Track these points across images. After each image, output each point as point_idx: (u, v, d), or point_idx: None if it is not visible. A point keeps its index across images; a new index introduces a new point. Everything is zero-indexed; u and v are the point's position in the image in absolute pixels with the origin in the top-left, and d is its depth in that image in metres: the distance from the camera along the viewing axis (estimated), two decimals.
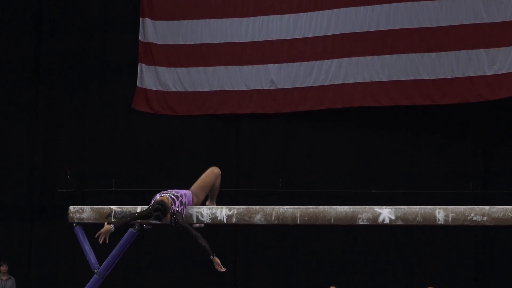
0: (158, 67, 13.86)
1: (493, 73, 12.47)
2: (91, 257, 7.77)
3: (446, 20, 12.76)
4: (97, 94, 14.50)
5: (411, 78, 12.83)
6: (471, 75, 12.57)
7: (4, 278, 13.71)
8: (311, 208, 7.15)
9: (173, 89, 13.83)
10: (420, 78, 12.79)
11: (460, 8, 12.70)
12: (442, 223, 6.70)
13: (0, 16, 14.68)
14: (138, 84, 13.88)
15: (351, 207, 7.04)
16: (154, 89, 13.84)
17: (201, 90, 13.75)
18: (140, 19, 13.91)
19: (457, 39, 12.64)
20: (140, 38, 13.88)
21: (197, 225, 7.71)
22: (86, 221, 7.82)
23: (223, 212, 7.44)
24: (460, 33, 12.64)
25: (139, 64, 13.83)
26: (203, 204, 7.90)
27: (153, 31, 13.89)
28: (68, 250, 13.99)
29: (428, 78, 12.76)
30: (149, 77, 13.86)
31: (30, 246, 14.59)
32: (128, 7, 14.34)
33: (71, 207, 7.91)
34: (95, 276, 7.71)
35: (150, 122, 13.95)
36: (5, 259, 13.75)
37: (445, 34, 12.71)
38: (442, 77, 12.72)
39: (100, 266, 7.71)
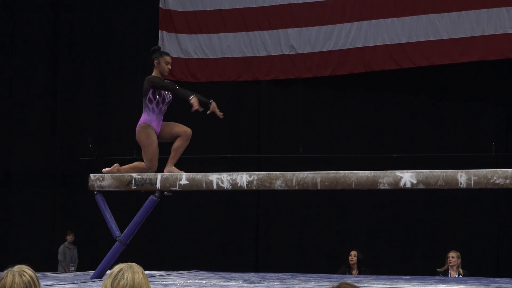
0: (179, 34, 13.81)
1: None
2: (113, 225, 7.80)
3: None
4: (117, 62, 14.52)
5: (431, 39, 12.71)
6: (491, 33, 12.43)
7: (71, 247, 14.06)
8: (332, 173, 7.13)
9: (194, 56, 13.78)
10: (439, 38, 12.67)
11: None
12: (464, 186, 6.66)
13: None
14: None
15: (372, 171, 7.00)
16: (176, 56, 13.79)
17: (222, 57, 13.70)
18: None
19: None
20: (160, 5, 13.82)
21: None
22: (106, 189, 7.85)
23: (243, 178, 7.42)
24: None
25: (159, 31, 13.78)
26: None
27: None
28: (90, 217, 14.09)
29: (448, 37, 12.64)
30: (170, 45, 13.81)
31: (54, 214, 14.71)
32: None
33: (92, 175, 7.93)
34: (116, 243, 7.74)
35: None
36: (72, 228, 14.02)
37: None
38: (462, 36, 12.58)
39: (121, 234, 7.74)
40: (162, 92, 7.83)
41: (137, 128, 7.89)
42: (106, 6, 14.56)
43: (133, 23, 14.40)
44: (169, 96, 7.94)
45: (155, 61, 7.96)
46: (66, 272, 12.96)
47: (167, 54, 8.13)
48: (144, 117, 7.91)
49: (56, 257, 14.09)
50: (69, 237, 14.07)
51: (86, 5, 14.59)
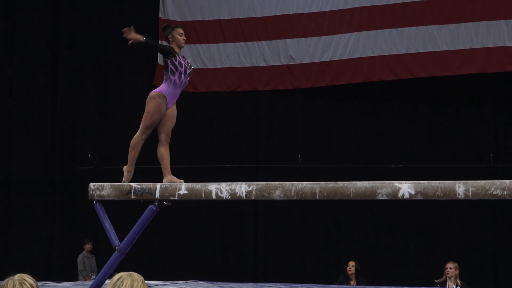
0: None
1: None
2: (112, 234, 7.80)
3: None
4: (117, 71, 14.54)
5: (430, 50, 12.75)
6: (490, 46, 12.47)
7: (89, 256, 14.05)
8: (331, 184, 7.14)
9: (194, 66, 13.77)
10: (438, 50, 12.71)
11: None
12: (462, 197, 6.67)
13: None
14: (159, 61, 13.88)
15: (370, 182, 7.02)
16: None
17: (221, 67, 13.74)
18: None
19: (477, 10, 12.54)
20: (160, 15, 13.87)
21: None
22: (106, 198, 7.84)
23: (242, 188, 7.43)
24: (480, 4, 12.54)
25: (159, 41, 13.81)
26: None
27: (172, 7, 13.88)
28: (89, 227, 14.09)
29: (447, 49, 12.68)
30: None
31: (53, 222, 14.70)
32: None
33: (91, 184, 7.94)
34: (116, 252, 7.75)
35: None
36: (90, 237, 14.01)
37: (464, 6, 12.61)
38: (461, 47, 12.63)
39: (120, 243, 7.75)
40: (182, 61, 7.84)
41: (152, 93, 7.86)
42: (106, 11, 14.58)
43: (133, 24, 14.40)
44: (190, 67, 7.96)
45: (169, 37, 8.02)
46: (86, 280, 12.94)
47: (179, 26, 8.20)
48: (163, 88, 7.87)
49: (74, 266, 14.04)
50: (88, 246, 14.03)
51: (86, 9, 14.61)
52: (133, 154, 7.96)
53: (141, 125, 7.90)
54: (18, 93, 14.78)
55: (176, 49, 7.94)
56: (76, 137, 14.49)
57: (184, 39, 8.05)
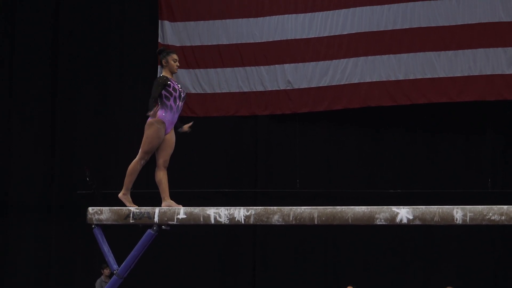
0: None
1: None
2: (110, 258, 7.80)
3: (463, 18, 12.72)
4: (116, 94, 14.55)
5: (428, 76, 12.80)
6: (489, 73, 12.53)
7: (107, 280, 13.97)
8: (329, 208, 7.15)
9: (192, 91, 13.87)
10: (437, 76, 12.76)
11: (478, 6, 12.66)
12: (460, 222, 6.68)
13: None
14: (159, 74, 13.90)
15: (368, 207, 7.03)
16: None
17: (219, 92, 13.79)
18: (159, 21, 13.95)
19: (475, 37, 12.61)
20: (159, 40, 13.93)
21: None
22: (104, 222, 7.85)
23: (241, 213, 7.44)
24: (478, 31, 12.60)
25: (159, 66, 13.86)
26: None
27: (171, 33, 13.94)
28: (87, 250, 14.06)
29: (445, 76, 12.73)
30: None
31: (50, 247, 14.67)
32: (146, 10, 14.38)
33: (90, 208, 7.95)
34: (114, 277, 7.75)
35: None
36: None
37: (463, 33, 12.67)
38: (459, 74, 12.68)
39: (119, 267, 7.75)
40: (176, 86, 7.90)
41: (150, 119, 7.90)
42: (106, 37, 14.62)
43: (133, 55, 14.45)
44: (184, 91, 8.02)
45: (163, 61, 8.06)
46: None
47: (174, 52, 8.23)
48: (160, 113, 7.93)
49: None
50: (106, 271, 13.97)
51: (84, 32, 14.64)
52: (130, 179, 7.99)
53: (140, 150, 7.94)
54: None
55: (168, 74, 8.01)
56: (74, 160, 14.47)
57: (177, 66, 8.11)
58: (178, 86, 7.95)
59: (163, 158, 8.03)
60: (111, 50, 14.50)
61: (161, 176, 8.03)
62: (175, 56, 8.10)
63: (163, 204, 7.90)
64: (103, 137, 14.62)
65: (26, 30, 14.69)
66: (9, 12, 14.78)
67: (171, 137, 8.06)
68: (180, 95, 7.94)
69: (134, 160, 7.96)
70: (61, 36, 14.64)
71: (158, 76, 8.22)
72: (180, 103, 7.97)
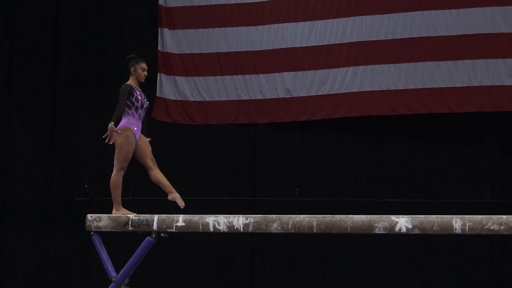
0: (176, 77, 13.93)
1: None
2: (109, 265, 7.82)
3: (463, 28, 12.73)
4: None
5: (428, 86, 12.81)
6: (489, 85, 12.54)
7: None
8: (328, 217, 7.16)
9: (191, 99, 13.88)
10: (437, 86, 12.77)
11: (478, 17, 12.66)
12: (459, 232, 6.69)
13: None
14: (158, 94, 13.91)
15: (367, 216, 7.04)
16: (173, 98, 13.90)
17: (218, 100, 13.80)
18: (159, 29, 13.96)
19: (474, 48, 12.61)
20: (159, 48, 13.92)
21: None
22: (103, 230, 7.87)
23: (239, 221, 7.45)
24: (478, 42, 12.61)
25: (158, 74, 13.88)
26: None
27: (171, 40, 13.95)
28: (85, 258, 14.03)
29: (445, 86, 12.74)
30: (168, 87, 13.92)
31: (49, 254, 14.65)
32: (147, 10, 14.38)
33: (89, 216, 7.96)
34: (112, 284, 7.75)
35: (169, 131, 13.99)
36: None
37: (462, 43, 12.68)
38: (459, 85, 12.70)
39: (117, 274, 7.75)
40: (139, 97, 7.99)
41: (116, 129, 8.00)
42: (105, 44, 14.63)
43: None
44: (146, 101, 8.13)
45: (132, 69, 8.14)
46: None
47: (143, 61, 8.29)
48: (124, 121, 8.03)
49: None
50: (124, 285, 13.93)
51: (84, 41, 14.64)
52: (116, 193, 8.06)
53: (115, 162, 8.00)
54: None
55: (135, 83, 8.09)
56: (74, 164, 14.44)
57: (145, 75, 8.18)
58: (142, 96, 8.04)
59: (148, 159, 8.13)
60: (111, 50, 14.49)
61: (157, 175, 8.13)
62: (144, 65, 8.18)
63: (169, 197, 8.01)
64: (101, 145, 14.55)
65: (26, 30, 14.69)
66: (9, 12, 14.76)
67: (143, 141, 8.17)
68: (142, 105, 8.06)
69: (113, 174, 8.03)
70: (61, 36, 14.64)
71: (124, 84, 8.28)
72: (142, 112, 8.10)
